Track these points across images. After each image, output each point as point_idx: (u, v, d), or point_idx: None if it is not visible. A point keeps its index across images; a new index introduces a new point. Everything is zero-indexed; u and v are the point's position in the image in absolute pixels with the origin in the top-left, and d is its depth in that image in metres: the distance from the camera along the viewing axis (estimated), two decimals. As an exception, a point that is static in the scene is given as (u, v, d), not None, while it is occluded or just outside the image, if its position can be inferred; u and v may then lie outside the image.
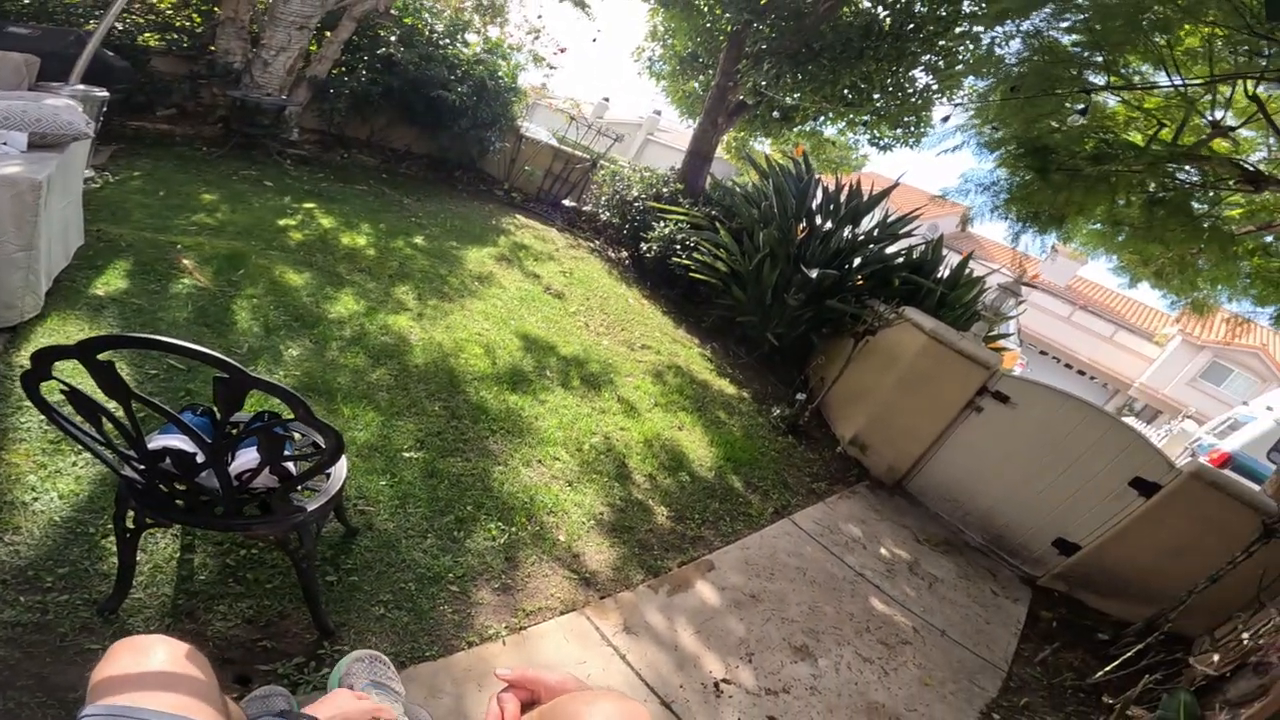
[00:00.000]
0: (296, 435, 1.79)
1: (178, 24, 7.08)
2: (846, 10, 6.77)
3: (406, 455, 2.60)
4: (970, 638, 3.02)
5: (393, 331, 3.51)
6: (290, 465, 1.44)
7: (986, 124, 5.00)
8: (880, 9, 6.80)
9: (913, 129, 7.66)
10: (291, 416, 1.26)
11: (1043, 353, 19.86)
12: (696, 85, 8.91)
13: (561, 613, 2.19)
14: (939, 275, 5.64)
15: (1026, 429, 3.95)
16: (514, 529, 2.46)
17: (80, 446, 1.94)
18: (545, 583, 2.29)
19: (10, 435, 1.99)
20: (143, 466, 1.35)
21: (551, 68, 9.49)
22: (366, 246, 4.60)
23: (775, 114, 8.10)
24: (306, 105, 6.85)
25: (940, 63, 6.73)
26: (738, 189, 6.96)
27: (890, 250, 5.74)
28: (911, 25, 6.52)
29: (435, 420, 2.90)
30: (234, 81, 6.28)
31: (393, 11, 7.40)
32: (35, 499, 1.83)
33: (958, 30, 6.44)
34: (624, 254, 7.38)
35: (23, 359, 2.33)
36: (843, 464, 4.33)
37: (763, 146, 9.86)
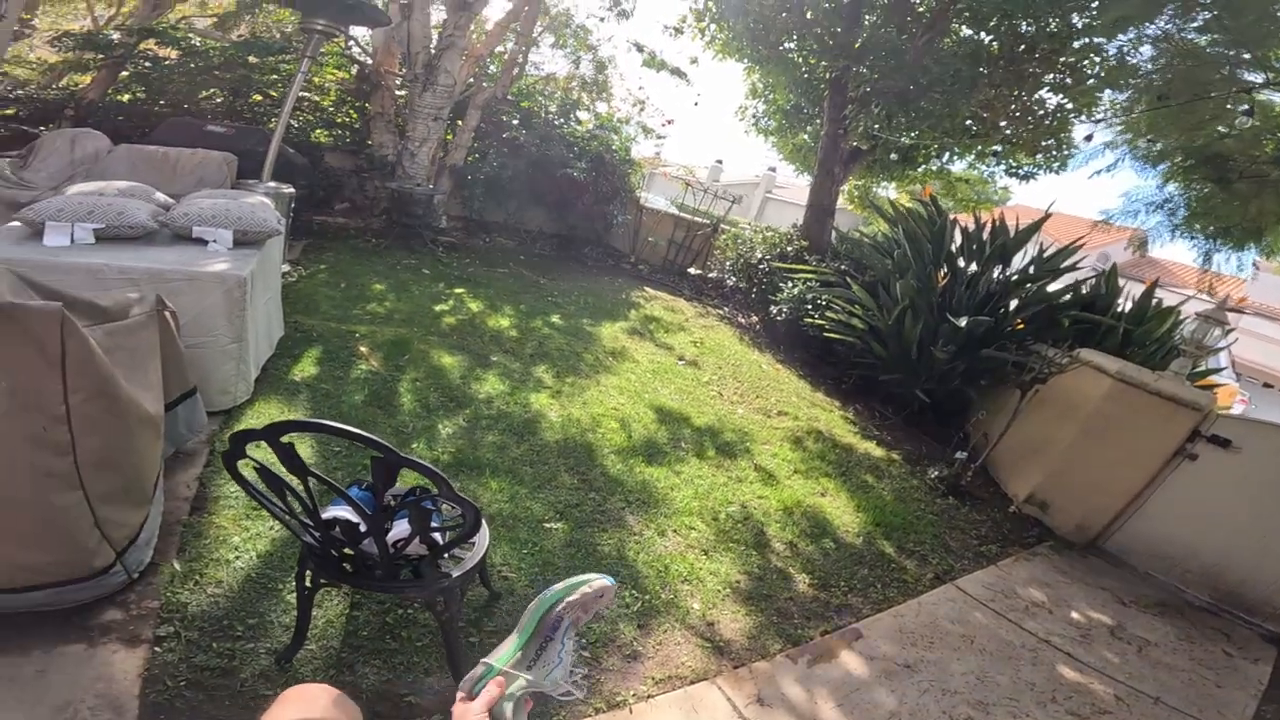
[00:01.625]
0: (446, 508, 1.93)
1: (339, 120, 8.39)
2: (947, 41, 6.53)
3: (547, 525, 2.70)
4: (1194, 703, 2.57)
5: (533, 409, 3.73)
6: (438, 535, 1.55)
7: (1140, 138, 4.50)
8: (983, 34, 6.48)
9: (1054, 153, 7.05)
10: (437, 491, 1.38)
11: (1267, 385, 16.51)
12: (806, 137, 8.84)
13: (692, 681, 2.11)
14: (1118, 310, 4.99)
15: (1259, 472, 3.38)
16: (647, 596, 2.44)
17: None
18: (676, 650, 2.23)
19: (221, 502, 2.35)
20: (318, 533, 1.52)
21: (660, 137, 9.88)
22: (509, 328, 4.99)
23: (894, 156, 7.87)
24: (449, 193, 7.69)
25: (1067, 80, 6.21)
26: (866, 240, 6.72)
27: (1054, 288, 5.18)
28: (1022, 46, 6.13)
29: (574, 492, 3.00)
30: (389, 173, 7.20)
31: (509, 97, 8.21)
32: (237, 557, 2.12)
33: (1076, 45, 5.95)
34: (753, 319, 7.33)
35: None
36: (1017, 524, 3.92)
37: (887, 192, 9.53)
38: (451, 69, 7.09)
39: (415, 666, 1.88)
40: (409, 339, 4.23)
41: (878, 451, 4.53)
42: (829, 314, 5.69)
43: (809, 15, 7.03)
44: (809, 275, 6.36)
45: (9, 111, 6.84)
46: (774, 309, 6.42)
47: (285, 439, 1.37)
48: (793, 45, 7.60)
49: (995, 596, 3.07)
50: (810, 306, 5.99)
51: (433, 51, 7.11)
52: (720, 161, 20.46)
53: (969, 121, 6.79)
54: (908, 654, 2.49)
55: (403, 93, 7.53)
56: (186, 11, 10.10)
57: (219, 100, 7.41)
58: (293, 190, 4.96)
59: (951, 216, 5.87)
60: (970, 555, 3.44)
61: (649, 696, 2.01)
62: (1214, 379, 5.33)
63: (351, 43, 8.35)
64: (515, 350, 4.56)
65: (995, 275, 5.24)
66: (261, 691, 1.69)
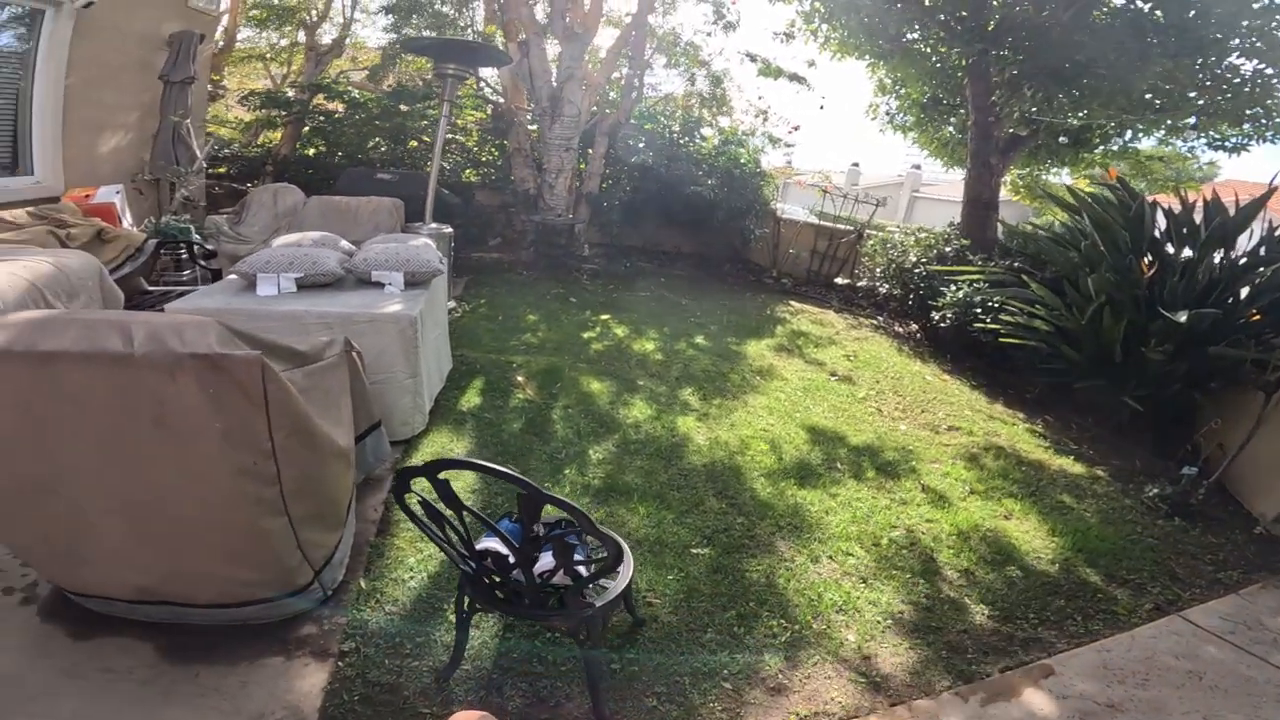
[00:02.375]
0: (592, 539, 1.96)
1: (484, 158, 9.07)
2: (1097, 15, 5.63)
3: (694, 551, 2.65)
4: None
5: (680, 432, 3.71)
6: (581, 567, 1.58)
7: None
8: (1140, 2, 5.53)
9: (1264, 120, 5.82)
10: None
11: None
12: (950, 129, 8.05)
13: (841, 719, 1.94)
14: None
15: None
16: (797, 627, 2.30)
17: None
18: (826, 685, 2.07)
19: (401, 525, 2.58)
20: (473, 563, 1.61)
21: (789, 145, 9.56)
22: (654, 351, 5.06)
23: (1063, 139, 6.92)
24: (588, 221, 8.00)
25: (1258, 43, 5.17)
26: (1041, 232, 5.94)
27: None
28: (1192, 12, 5.14)
29: (722, 517, 2.92)
30: (532, 206, 7.66)
31: (632, 121, 8.37)
32: (411, 577, 2.31)
33: (1255, 5, 4.94)
34: (912, 327, 6.76)
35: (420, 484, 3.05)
36: (1265, 548, 3.25)
37: (1059, 179, 8.41)
38: (574, 99, 7.46)
39: (558, 691, 1.91)
40: (560, 367, 4.43)
41: (1076, 468, 3.94)
42: (1003, 317, 5.08)
43: (928, 2, 6.48)
44: (975, 276, 5.73)
45: (221, 170, 8.29)
46: (935, 315, 5.87)
47: (442, 475, 1.47)
48: (916, 35, 7.04)
49: (1235, 628, 2.58)
50: (980, 310, 5.39)
51: (554, 84, 7.52)
52: (857, 164, 19.47)
53: (1148, 95, 5.81)
54: (1112, 693, 2.15)
55: (534, 127, 8.04)
56: (342, 65, 11.62)
57: (383, 149, 8.41)
58: (451, 230, 5.45)
59: (1149, 198, 5.01)
60: (1203, 583, 2.89)
61: (792, 733, 1.86)
62: None
63: (483, 84, 9.09)
64: (661, 373, 4.59)
65: (1216, 261, 4.37)
66: (420, 709, 1.80)
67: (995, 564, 2.85)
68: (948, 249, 6.58)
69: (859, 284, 7.92)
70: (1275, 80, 5.45)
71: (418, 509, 1.57)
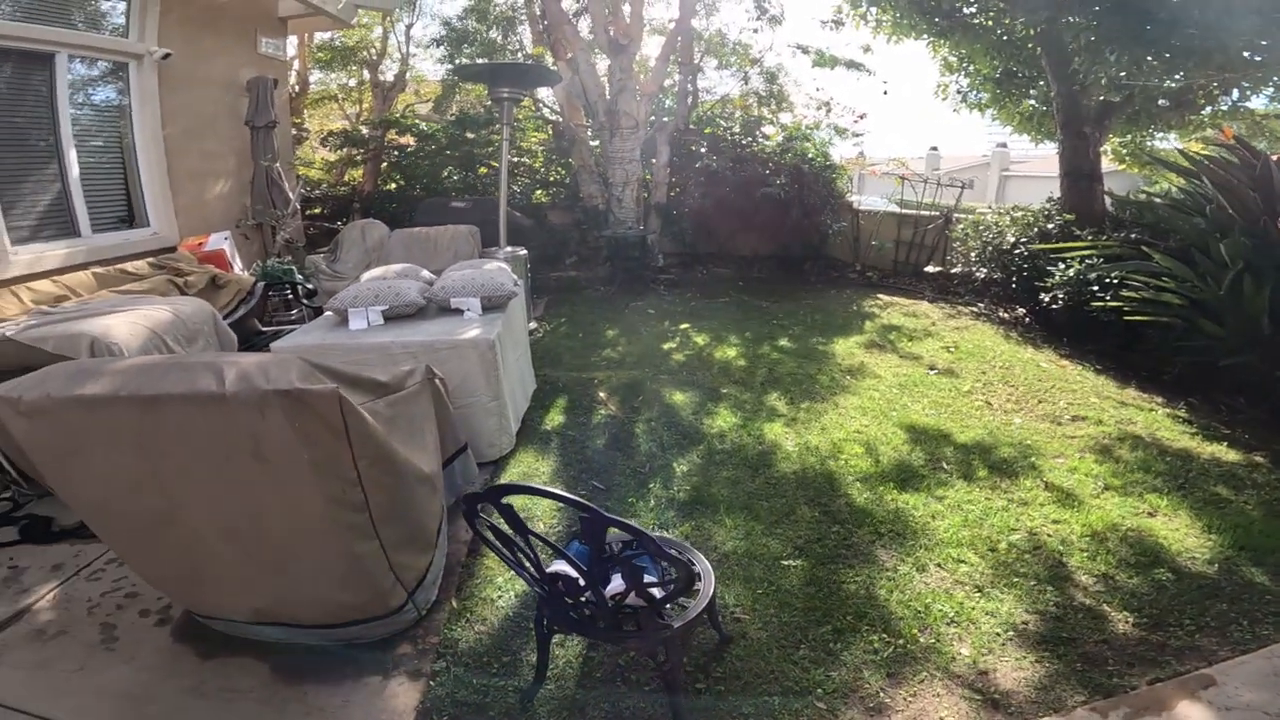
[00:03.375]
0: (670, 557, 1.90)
1: (552, 179, 9.23)
2: None
3: (785, 563, 2.52)
4: None
5: (767, 440, 3.57)
6: (655, 589, 1.52)
7: None
8: None
9: None
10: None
11: None
12: (1032, 102, 7.51)
13: None
14: None
15: None
16: (901, 641, 2.11)
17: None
18: (935, 703, 1.88)
19: (490, 546, 2.62)
20: (545, 586, 1.59)
21: (856, 135, 9.18)
22: (737, 357, 4.93)
23: (1162, 102, 6.29)
24: (660, 231, 7.97)
25: None
26: (1157, 200, 5.37)
27: None
28: None
29: (814, 526, 2.77)
30: (603, 222, 7.70)
31: (691, 126, 8.26)
32: (500, 596, 2.33)
33: None
34: (1019, 311, 6.26)
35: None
36: None
37: (1167, 144, 7.60)
38: (630, 110, 7.48)
39: (641, 712, 1.84)
40: (641, 380, 4.40)
41: (1231, 455, 3.46)
42: (1125, 293, 4.60)
43: (980, -28, 6.07)
44: (1086, 251, 5.25)
45: (315, 210, 8.88)
46: (1045, 297, 5.39)
47: (505, 500, 1.46)
48: (973, 9, 6.64)
49: None
50: (1096, 287, 4.91)
51: (608, 98, 7.57)
52: (935, 148, 18.60)
53: (1246, 53, 5.13)
54: None
55: (596, 143, 8.11)
56: (407, 99, 12.24)
57: (455, 177, 8.76)
58: (525, 252, 5.57)
59: (1275, 158, 4.45)
60: None
61: (892, 755, 1.70)
62: None
63: (540, 104, 9.29)
64: (745, 380, 4.46)
65: None
66: None
67: (1139, 567, 2.54)
68: (1050, 226, 6.14)
69: (953, 271, 7.48)
70: None
71: (489, 535, 1.56)
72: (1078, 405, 4.09)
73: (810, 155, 8.11)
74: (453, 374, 3.03)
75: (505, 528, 1.55)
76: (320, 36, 11.22)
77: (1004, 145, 20.34)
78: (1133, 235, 5.25)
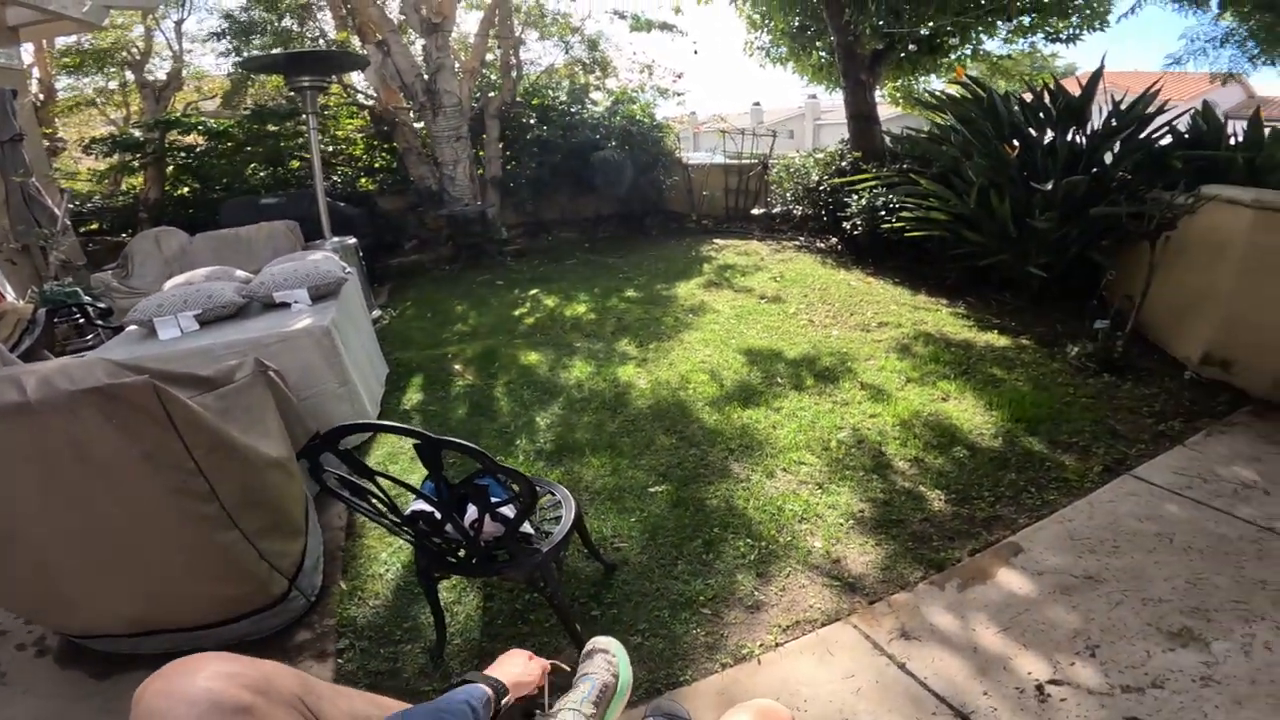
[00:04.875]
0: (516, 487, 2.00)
1: (377, 165, 8.82)
2: None
3: (652, 490, 2.71)
4: None
5: (622, 382, 3.76)
6: (507, 511, 1.60)
7: None
8: None
9: (1092, 8, 6.39)
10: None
11: None
12: (821, 54, 8.24)
13: (823, 624, 2.00)
14: (1229, 144, 4.33)
15: None
16: (763, 543, 2.37)
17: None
18: (802, 594, 2.13)
19: (368, 526, 2.59)
20: (409, 529, 1.64)
21: (678, 94, 9.68)
22: (587, 313, 5.08)
23: (913, 48, 7.23)
24: (500, 204, 7.94)
25: None
26: (920, 135, 6.22)
27: (1145, 135, 4.59)
28: None
29: (674, 453, 2.99)
30: (438, 202, 7.53)
31: (519, 99, 8.29)
32: (387, 570, 2.34)
33: None
34: (831, 240, 6.99)
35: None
36: (1200, 392, 3.31)
37: (931, 86, 8.83)
38: (451, 89, 7.28)
39: (546, 646, 1.95)
40: (496, 347, 4.41)
41: (1002, 341, 4.13)
42: (904, 214, 5.33)
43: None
44: (871, 182, 6.01)
45: (93, 226, 7.76)
46: (847, 225, 6.10)
47: (346, 446, 1.48)
48: None
49: (1191, 483, 2.57)
50: (884, 212, 5.65)
51: (426, 78, 7.30)
52: (758, 103, 19.95)
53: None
54: (1086, 564, 2.16)
55: (419, 124, 7.82)
56: (188, 97, 11.01)
57: (262, 174, 8.03)
58: (355, 241, 5.31)
59: (1021, 94, 5.40)
60: (1147, 438, 2.91)
61: (777, 645, 1.93)
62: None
63: (353, 90, 8.75)
64: (596, 332, 4.62)
65: (1072, 136, 4.71)
66: (421, 688, 1.84)
67: (941, 447, 2.91)
68: (844, 163, 6.88)
69: (775, 211, 8.12)
70: None
71: (339, 487, 1.57)
72: (881, 314, 4.70)
73: (637, 117, 8.36)
74: (291, 366, 2.87)
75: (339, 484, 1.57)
76: (64, 40, 9.58)
77: (814, 97, 21.68)
78: (905, 166, 6.00)
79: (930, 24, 6.56)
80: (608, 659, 1.44)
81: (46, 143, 7.63)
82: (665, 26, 9.22)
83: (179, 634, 1.96)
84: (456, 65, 7.56)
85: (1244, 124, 4.39)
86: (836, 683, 1.79)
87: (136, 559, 1.77)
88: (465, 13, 9.26)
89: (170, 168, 8.13)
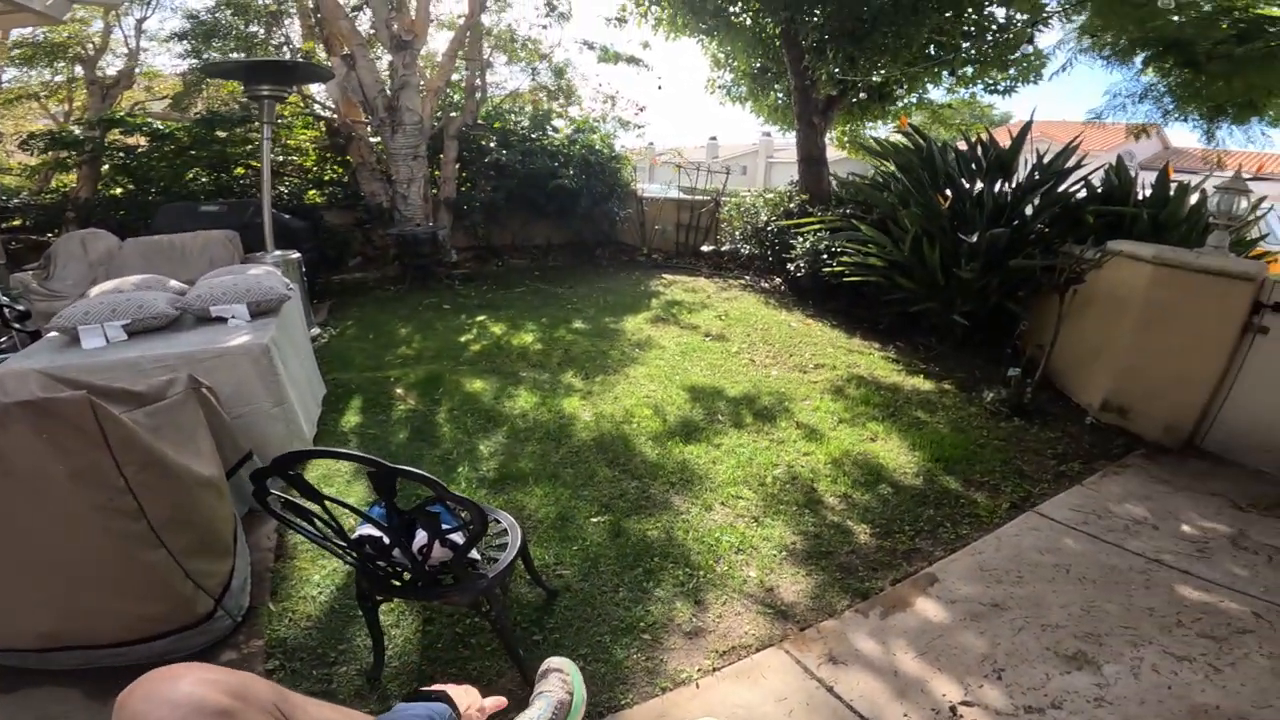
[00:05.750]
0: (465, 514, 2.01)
1: (327, 178, 8.66)
2: None
3: (594, 521, 2.76)
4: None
5: (566, 413, 3.79)
6: (456, 538, 1.62)
7: (1088, 34, 4.38)
8: None
9: (1028, 63, 6.93)
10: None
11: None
12: (778, 95, 8.67)
13: (757, 650, 2.09)
14: (1138, 199, 4.80)
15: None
16: (701, 572, 2.45)
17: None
18: (737, 621, 2.22)
19: (299, 548, 2.53)
20: (354, 553, 1.63)
21: (639, 127, 9.91)
22: (533, 342, 5.10)
23: (863, 96, 7.71)
24: (452, 227, 7.89)
25: None
26: (864, 181, 6.61)
27: (1063, 189, 5.01)
28: None
29: (615, 484, 3.04)
30: (388, 220, 7.42)
31: (480, 122, 8.36)
32: (320, 593, 2.28)
33: None
34: (775, 281, 7.27)
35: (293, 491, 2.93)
36: (1099, 436, 3.66)
37: (878, 131, 9.39)
38: (414, 106, 7.28)
39: (488, 670, 1.96)
40: (440, 373, 4.37)
41: (926, 385, 4.40)
42: (844, 259, 5.62)
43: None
44: (816, 226, 6.31)
45: (15, 222, 7.31)
46: (791, 267, 6.38)
47: (292, 471, 1.48)
48: (737, 9, 7.55)
49: (1087, 518, 2.84)
50: (826, 256, 5.94)
51: (389, 94, 7.30)
52: (714, 138, 20.59)
53: (930, 49, 6.62)
54: (993, 592, 2.35)
55: (377, 139, 7.76)
56: (136, 97, 10.62)
57: (204, 179, 7.76)
58: (298, 255, 5.14)
59: (957, 143, 5.79)
60: (1049, 477, 3.21)
61: (714, 670, 2.01)
62: (1265, 247, 5.05)
63: (312, 100, 8.62)
64: (542, 362, 4.65)
65: (999, 188, 5.09)
66: (359, 709, 1.79)
67: (868, 485, 3.10)
68: (792, 205, 7.18)
69: (723, 249, 8.39)
70: (1024, 25, 6.36)
71: (285, 511, 1.56)
72: (819, 355, 4.92)
73: (597, 146, 8.50)
74: (223, 383, 2.79)
75: (304, 504, 1.56)
76: (18, 32, 9.08)
77: (768, 134, 22.25)
78: (848, 211, 6.33)
79: (883, 73, 6.98)
80: (562, 677, 1.48)
81: None
82: (632, 60, 9.45)
83: (93, 650, 1.86)
84: (421, 83, 7.55)
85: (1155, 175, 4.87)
86: (770, 705, 1.87)
87: (53, 574, 1.70)
88: (435, 31, 9.25)
89: (106, 167, 7.75)
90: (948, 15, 6.16)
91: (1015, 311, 4.79)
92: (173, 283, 3.64)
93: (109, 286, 3.40)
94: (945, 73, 7.31)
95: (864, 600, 2.33)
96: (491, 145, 8.23)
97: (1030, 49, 6.77)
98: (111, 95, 9.77)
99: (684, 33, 8.01)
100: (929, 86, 8.12)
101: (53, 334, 3.09)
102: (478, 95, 8.43)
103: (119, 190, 7.64)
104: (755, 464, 3.26)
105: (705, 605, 2.28)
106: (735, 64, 8.61)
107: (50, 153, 7.77)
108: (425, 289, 6.74)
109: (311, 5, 8.20)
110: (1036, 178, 5.02)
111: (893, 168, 5.71)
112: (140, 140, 7.82)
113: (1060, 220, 4.76)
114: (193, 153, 7.53)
